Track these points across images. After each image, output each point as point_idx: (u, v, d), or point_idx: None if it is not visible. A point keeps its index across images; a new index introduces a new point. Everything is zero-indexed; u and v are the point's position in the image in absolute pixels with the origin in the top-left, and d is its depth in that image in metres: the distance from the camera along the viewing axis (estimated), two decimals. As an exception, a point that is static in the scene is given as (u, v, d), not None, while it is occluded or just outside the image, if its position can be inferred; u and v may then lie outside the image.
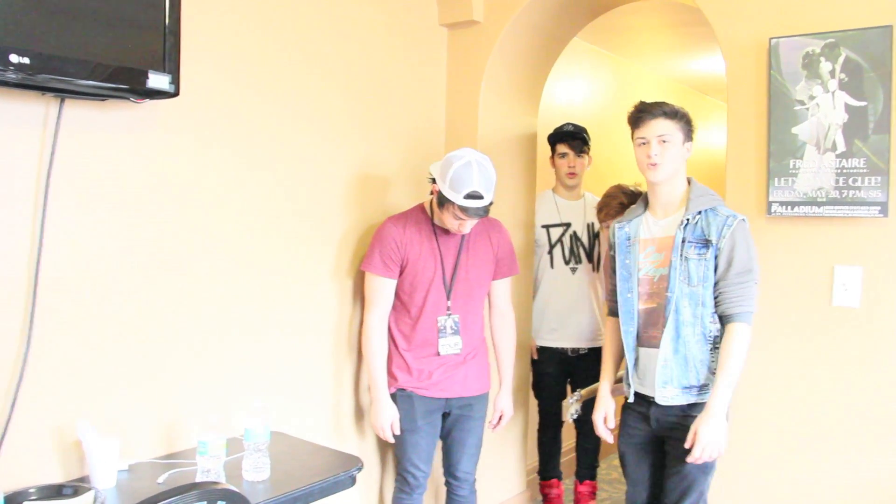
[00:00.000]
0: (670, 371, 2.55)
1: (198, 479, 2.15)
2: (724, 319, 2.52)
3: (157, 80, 2.13)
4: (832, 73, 2.72)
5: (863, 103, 2.67)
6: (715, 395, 2.47)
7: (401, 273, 2.95)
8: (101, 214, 2.30)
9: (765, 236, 2.84)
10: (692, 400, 2.55)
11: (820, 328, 2.83)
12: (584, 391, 3.44)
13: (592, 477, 4.13)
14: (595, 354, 3.70)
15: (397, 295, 2.99)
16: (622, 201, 3.39)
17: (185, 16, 2.29)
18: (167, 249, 2.47)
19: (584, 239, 3.96)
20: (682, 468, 2.55)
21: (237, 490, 1.77)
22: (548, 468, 4.15)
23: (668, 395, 2.56)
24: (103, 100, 2.22)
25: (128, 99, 2.23)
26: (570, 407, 3.34)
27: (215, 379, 2.63)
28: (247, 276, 2.72)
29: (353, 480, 2.42)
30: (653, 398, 2.59)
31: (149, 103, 2.33)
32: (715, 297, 2.52)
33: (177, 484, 1.97)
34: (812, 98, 2.76)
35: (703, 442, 2.44)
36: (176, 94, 2.21)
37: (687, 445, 2.48)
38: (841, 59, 2.70)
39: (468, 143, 3.51)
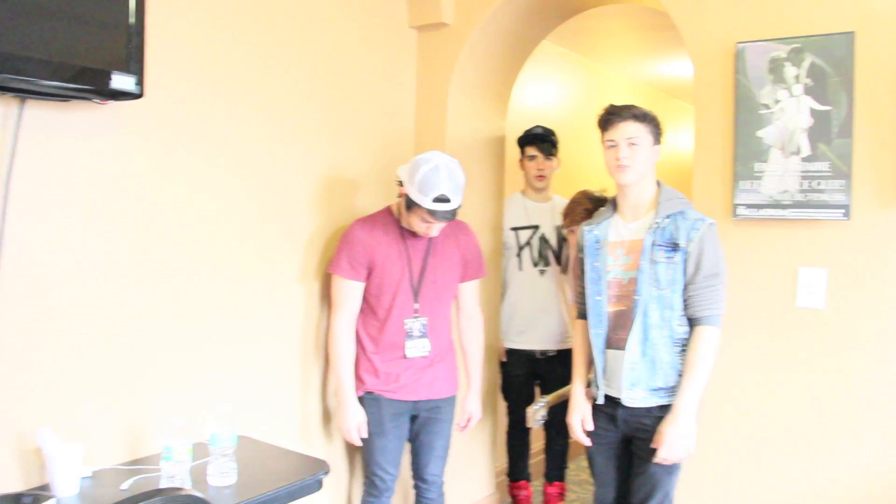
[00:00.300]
0: (638, 373, 2.56)
1: (162, 485, 2.13)
2: (692, 322, 2.54)
3: (121, 81, 2.10)
4: (797, 78, 2.75)
5: (827, 108, 2.71)
6: (682, 397, 2.49)
7: (368, 276, 2.94)
8: (63, 218, 2.26)
9: (731, 238, 2.86)
10: (659, 402, 2.56)
11: (785, 329, 2.86)
12: (549, 397, 3.44)
13: (561, 478, 4.14)
14: (563, 356, 3.71)
15: (365, 298, 2.97)
16: (587, 207, 3.42)
17: (151, 16, 2.27)
18: (131, 253, 2.44)
19: (553, 241, 3.97)
20: (648, 469, 2.57)
21: (201, 496, 1.75)
22: (517, 470, 4.15)
23: (636, 397, 2.57)
24: (66, 101, 2.18)
25: (91, 100, 2.19)
26: (536, 413, 3.33)
27: (181, 383, 2.60)
28: (212, 280, 2.70)
29: (320, 484, 2.40)
30: (620, 400, 2.60)
31: (113, 105, 2.29)
32: (684, 301, 2.54)
33: (141, 490, 1.94)
34: (777, 102, 2.79)
35: (669, 443, 2.46)
36: (141, 95, 2.19)
37: (653, 446, 2.50)
38: (806, 65, 2.73)
39: (437, 145, 3.50)
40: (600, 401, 2.68)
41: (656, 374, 2.55)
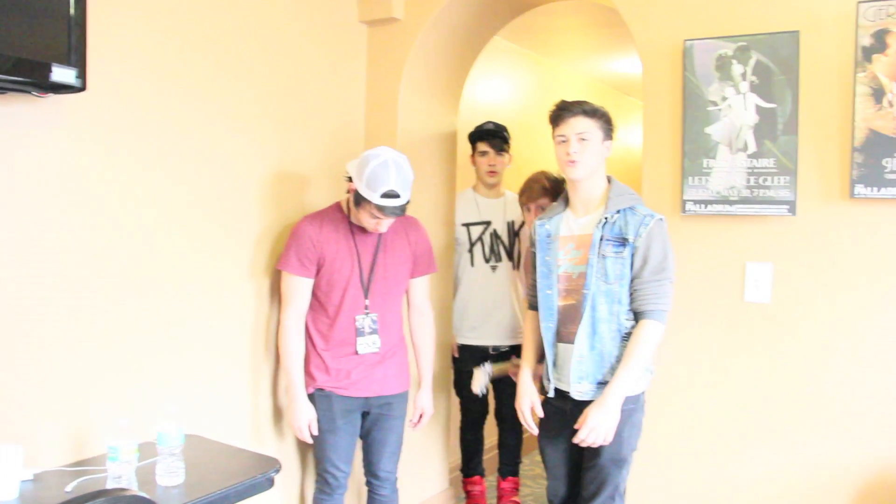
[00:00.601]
0: (586, 367, 2.58)
1: (108, 486, 2.08)
2: (637, 316, 2.56)
3: (61, 74, 2.05)
4: (743, 76, 2.79)
5: (772, 105, 2.75)
6: (612, 384, 2.51)
7: (317, 272, 2.92)
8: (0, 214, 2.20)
9: (679, 234, 2.90)
10: None
11: (733, 323, 2.90)
12: (494, 367, 3.45)
13: (515, 473, 4.15)
14: (516, 352, 3.74)
15: (314, 294, 2.95)
16: (544, 185, 3.44)
17: (94, 10, 2.22)
18: (71, 249, 2.38)
19: (505, 237, 3.98)
20: (597, 462, 2.59)
21: (146, 496, 1.72)
22: (470, 466, 4.16)
23: (583, 390, 2.59)
24: (3, 93, 2.11)
25: (30, 93, 2.13)
26: (480, 378, 3.30)
27: (127, 382, 2.55)
28: (159, 277, 2.65)
29: (271, 482, 2.37)
30: (570, 393, 2.62)
31: (53, 98, 2.23)
32: (630, 294, 2.56)
33: (86, 492, 1.90)
34: (724, 99, 2.83)
35: (590, 426, 2.49)
36: (83, 88, 2.14)
37: (576, 427, 2.52)
38: (752, 62, 2.77)
39: (387, 140, 3.48)
40: (551, 394, 2.70)
41: (603, 368, 2.57)
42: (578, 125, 2.58)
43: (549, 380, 2.70)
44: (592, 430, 2.49)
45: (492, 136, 3.94)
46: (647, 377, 2.64)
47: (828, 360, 2.75)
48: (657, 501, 3.06)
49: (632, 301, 2.56)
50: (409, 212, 3.01)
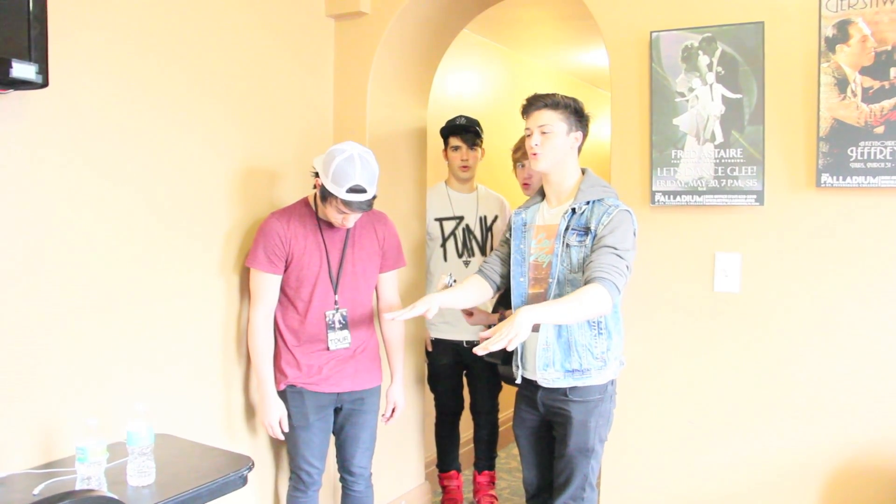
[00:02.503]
0: (552, 354, 2.59)
1: (77, 488, 2.06)
2: (586, 283, 2.45)
3: (22, 70, 2.01)
4: (710, 67, 2.81)
5: (738, 96, 2.78)
6: (534, 308, 2.36)
7: (286, 268, 2.91)
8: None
9: (649, 225, 2.92)
10: (574, 383, 2.59)
11: (703, 313, 2.93)
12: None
13: (491, 467, 4.17)
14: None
15: (283, 290, 2.94)
16: None
17: (55, 7, 2.19)
18: (37, 247, 2.35)
19: (477, 232, 3.98)
20: (566, 452, 2.62)
21: (115, 497, 1.71)
22: (446, 460, 4.16)
23: (550, 377, 2.61)
24: (-38, 89, 2.09)
25: (-11, 89, 2.11)
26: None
27: (96, 382, 2.52)
28: (126, 275, 2.62)
29: (244, 480, 2.36)
30: (537, 381, 2.64)
31: (15, 94, 2.20)
32: (585, 265, 2.51)
33: (54, 494, 1.88)
34: (692, 90, 2.85)
35: (501, 325, 2.32)
36: (45, 84, 2.10)
37: (488, 333, 2.36)
38: (718, 53, 2.79)
39: (357, 136, 3.47)
40: (519, 380, 2.73)
41: (571, 356, 2.58)
42: (541, 118, 2.62)
43: (517, 366, 2.72)
44: (503, 329, 2.29)
45: (464, 131, 3.93)
46: (616, 367, 2.65)
47: (797, 348, 2.78)
48: (630, 491, 3.09)
49: (585, 270, 2.49)
50: (380, 206, 3.01)
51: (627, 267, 2.50)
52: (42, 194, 2.36)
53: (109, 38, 2.54)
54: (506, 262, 2.81)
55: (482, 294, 2.83)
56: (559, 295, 2.57)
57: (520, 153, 3.59)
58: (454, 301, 2.79)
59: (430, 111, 4.05)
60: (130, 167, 2.63)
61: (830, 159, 2.64)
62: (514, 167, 3.72)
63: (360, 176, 2.68)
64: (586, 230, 2.56)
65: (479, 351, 2.29)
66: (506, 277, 2.81)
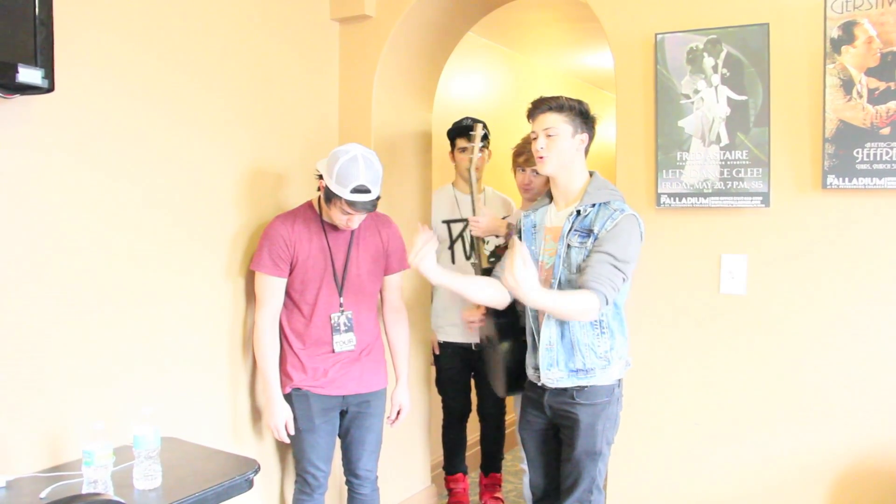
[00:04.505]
0: (555, 354, 2.59)
1: (84, 491, 2.07)
2: (582, 285, 2.48)
3: (28, 75, 2.02)
4: (715, 68, 2.81)
5: (743, 97, 2.77)
6: (535, 290, 2.38)
7: (291, 271, 2.91)
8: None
9: (654, 227, 2.91)
10: (578, 383, 2.59)
11: (709, 315, 2.92)
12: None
13: (497, 469, 4.16)
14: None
15: (288, 294, 2.94)
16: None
17: (61, 12, 2.19)
18: (44, 251, 2.36)
19: (485, 234, 3.97)
20: (573, 455, 2.61)
21: (121, 500, 1.71)
22: (453, 463, 4.16)
23: (553, 377, 2.60)
24: (-31, 94, 2.10)
25: (-4, 93, 2.12)
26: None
27: (103, 385, 2.53)
28: (131, 278, 2.63)
29: (250, 484, 2.36)
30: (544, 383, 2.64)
31: (21, 98, 2.21)
32: (583, 270, 2.52)
33: (60, 498, 1.88)
34: (697, 92, 2.84)
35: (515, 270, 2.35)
36: (51, 89, 2.11)
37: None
38: (723, 55, 2.79)
39: (362, 138, 3.47)
40: (539, 382, 2.71)
41: (575, 356, 2.58)
42: (545, 121, 2.62)
43: (535, 367, 2.70)
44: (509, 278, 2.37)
45: (471, 132, 3.92)
46: (621, 368, 2.65)
47: (804, 349, 2.77)
48: (636, 494, 3.08)
49: (581, 273, 2.51)
50: (386, 209, 3.01)
51: (623, 279, 2.51)
52: (49, 198, 2.37)
53: (115, 42, 2.55)
54: None
55: (497, 294, 2.69)
56: None
57: (522, 158, 3.56)
58: (465, 287, 2.71)
59: (435, 114, 4.05)
60: (136, 171, 2.64)
61: (836, 161, 2.63)
62: (514, 171, 3.69)
63: (364, 176, 2.68)
64: (589, 232, 2.56)
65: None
66: None
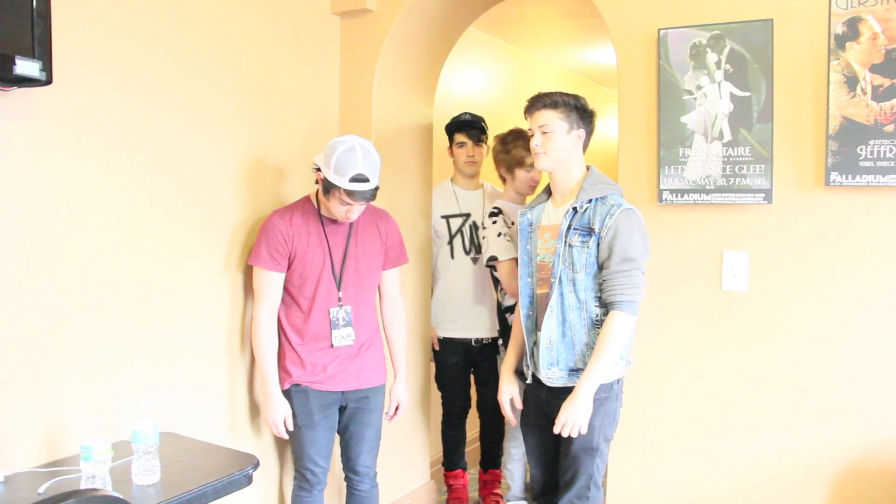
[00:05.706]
0: (555, 353, 2.60)
1: (82, 487, 2.06)
2: (607, 307, 2.56)
3: (25, 67, 2.00)
4: (718, 64, 2.79)
5: (747, 94, 2.76)
6: (583, 379, 2.53)
7: (289, 266, 2.90)
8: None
9: (656, 224, 2.90)
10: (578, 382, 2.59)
11: (711, 312, 2.91)
12: None
13: (497, 466, 4.15)
14: (498, 344, 3.74)
15: (287, 288, 2.93)
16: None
17: (59, 3, 2.18)
18: (42, 244, 2.34)
19: (484, 229, 3.96)
20: (571, 451, 2.61)
21: (119, 496, 1.70)
22: (452, 459, 4.15)
23: (554, 376, 2.61)
24: (-34, 86, 2.08)
25: (-7, 86, 2.10)
26: None
27: (101, 380, 2.52)
28: (130, 272, 2.61)
29: (249, 479, 2.36)
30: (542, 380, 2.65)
31: (19, 91, 2.19)
32: (599, 285, 2.57)
33: (58, 493, 1.87)
34: (699, 88, 2.83)
35: (563, 419, 2.52)
36: (49, 81, 2.09)
37: (557, 422, 2.56)
38: (726, 51, 2.77)
39: (363, 132, 3.44)
40: (529, 380, 2.73)
41: (575, 355, 2.59)
42: (541, 118, 2.63)
43: (527, 366, 2.73)
44: (565, 425, 2.51)
45: (470, 127, 3.92)
46: (621, 366, 2.64)
47: (805, 347, 2.76)
48: (636, 491, 3.07)
49: (601, 291, 2.56)
50: (386, 204, 2.99)
51: (642, 273, 2.55)
52: (46, 191, 2.35)
53: (114, 34, 2.53)
54: None
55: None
56: (561, 295, 2.57)
57: (529, 160, 3.51)
58: (518, 353, 2.88)
59: (435, 109, 4.03)
60: (135, 164, 2.62)
61: (839, 158, 2.62)
62: (514, 171, 3.65)
63: (363, 165, 2.67)
64: (590, 231, 2.55)
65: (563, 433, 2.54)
66: None
